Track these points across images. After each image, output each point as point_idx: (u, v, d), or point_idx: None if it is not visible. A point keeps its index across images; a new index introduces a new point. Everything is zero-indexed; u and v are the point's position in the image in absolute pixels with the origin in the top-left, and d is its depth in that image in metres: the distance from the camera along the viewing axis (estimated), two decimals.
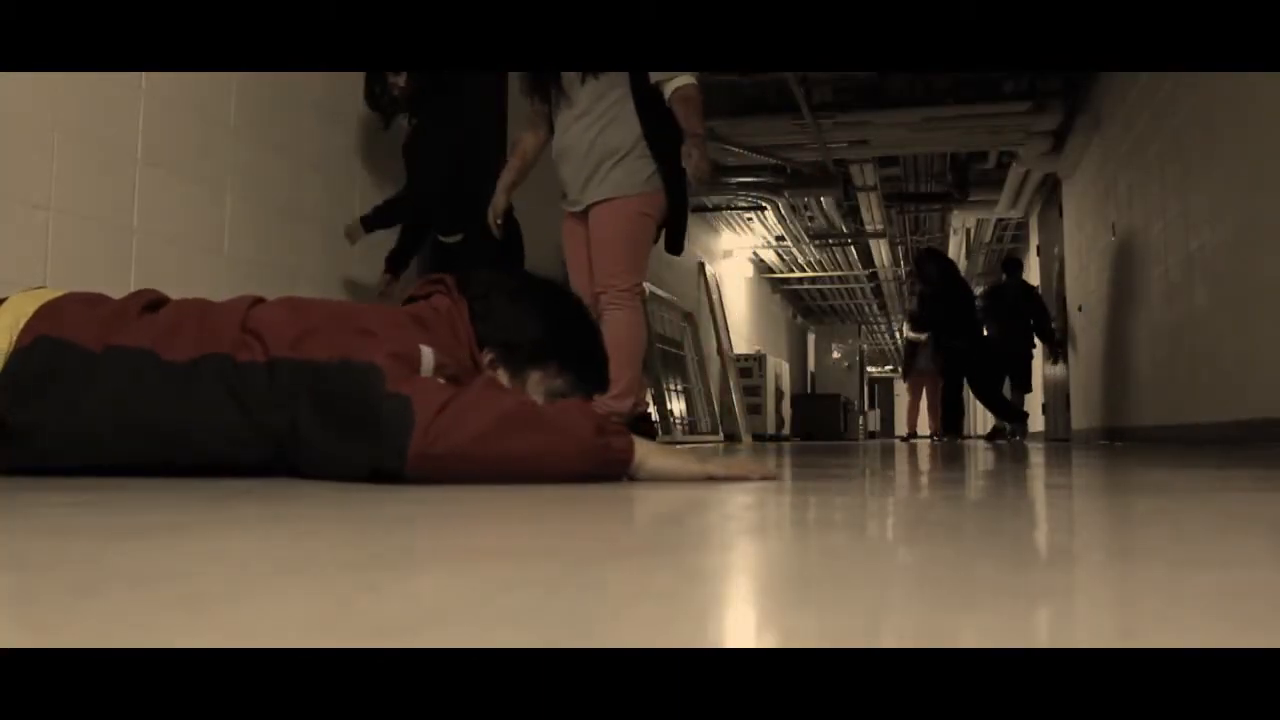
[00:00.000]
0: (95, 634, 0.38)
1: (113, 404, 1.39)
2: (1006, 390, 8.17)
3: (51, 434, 1.40)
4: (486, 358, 1.56)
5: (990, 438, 8.05)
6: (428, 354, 1.39)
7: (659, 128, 3.13)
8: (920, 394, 10.05)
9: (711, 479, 1.37)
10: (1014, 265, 8.59)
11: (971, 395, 8.02)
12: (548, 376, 1.59)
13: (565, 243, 3.38)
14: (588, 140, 3.15)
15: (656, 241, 3.29)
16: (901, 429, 10.45)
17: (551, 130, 3.33)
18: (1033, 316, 8.25)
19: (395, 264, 4.08)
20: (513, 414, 1.29)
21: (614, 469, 1.34)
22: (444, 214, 3.80)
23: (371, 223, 3.84)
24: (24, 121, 2.61)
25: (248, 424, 1.40)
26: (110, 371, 1.40)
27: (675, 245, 3.32)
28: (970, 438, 11.41)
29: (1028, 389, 8.42)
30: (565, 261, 3.41)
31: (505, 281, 1.68)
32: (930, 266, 7.99)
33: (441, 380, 1.35)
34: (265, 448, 1.41)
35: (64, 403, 1.39)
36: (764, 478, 1.43)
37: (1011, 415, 7.87)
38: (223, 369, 1.41)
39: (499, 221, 3.40)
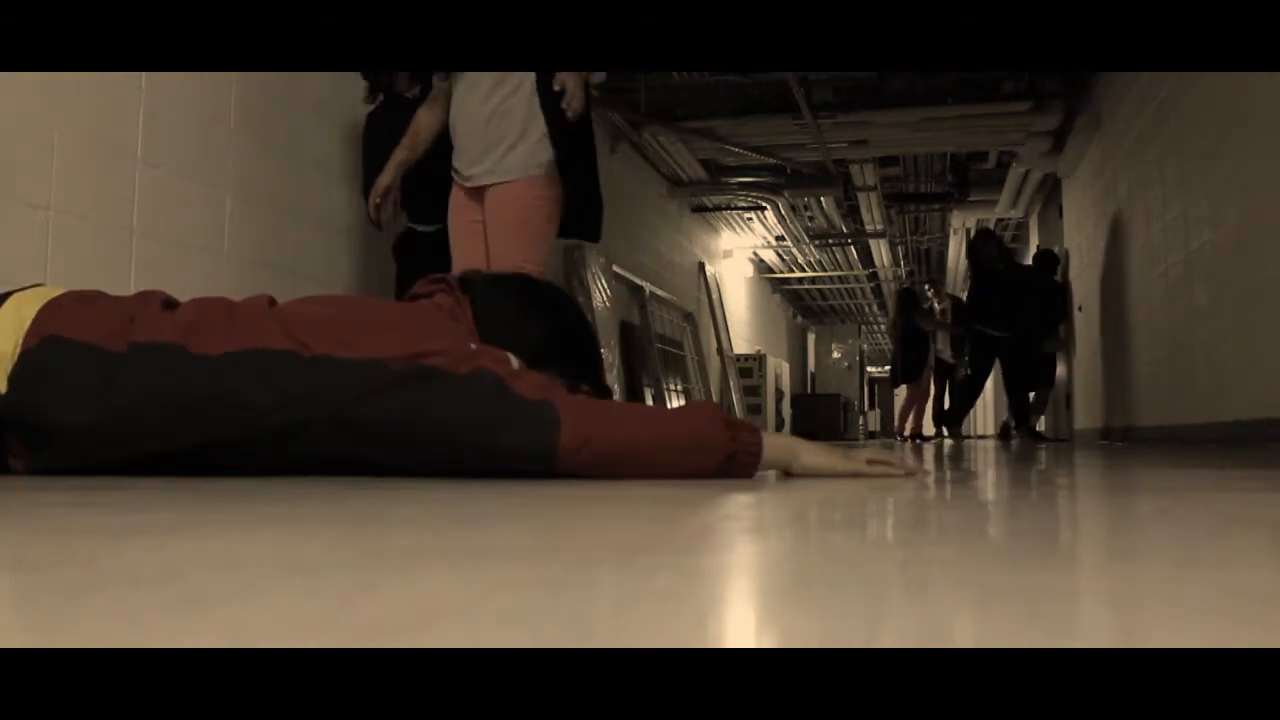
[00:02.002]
0: (95, 634, 0.38)
1: (144, 397, 1.40)
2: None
3: (76, 433, 1.39)
4: None
5: (1027, 436, 7.68)
6: (512, 358, 1.47)
7: (559, 97, 2.88)
8: (918, 392, 9.85)
9: (858, 475, 1.46)
10: (1051, 259, 8.25)
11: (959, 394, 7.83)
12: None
13: (451, 221, 3.16)
14: (486, 111, 2.96)
15: (563, 234, 3.07)
16: (904, 429, 10.25)
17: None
18: (1053, 311, 8.06)
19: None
20: (647, 410, 1.43)
21: (744, 462, 1.40)
22: (424, 200, 3.57)
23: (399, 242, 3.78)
24: (24, 121, 2.61)
25: (283, 414, 1.41)
26: (138, 368, 1.41)
27: (591, 231, 3.09)
28: (970, 437, 11.37)
29: (1050, 384, 8.24)
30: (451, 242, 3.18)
31: (507, 283, 1.71)
32: (990, 247, 7.52)
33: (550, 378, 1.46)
34: (297, 440, 1.43)
35: (84, 403, 1.39)
36: (908, 474, 1.52)
37: (1023, 415, 7.63)
38: (260, 360, 1.42)
39: (377, 202, 3.15)
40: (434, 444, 1.40)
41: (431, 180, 3.31)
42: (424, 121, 3.18)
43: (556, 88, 2.92)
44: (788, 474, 1.47)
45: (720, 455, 1.38)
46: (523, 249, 2.93)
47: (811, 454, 1.47)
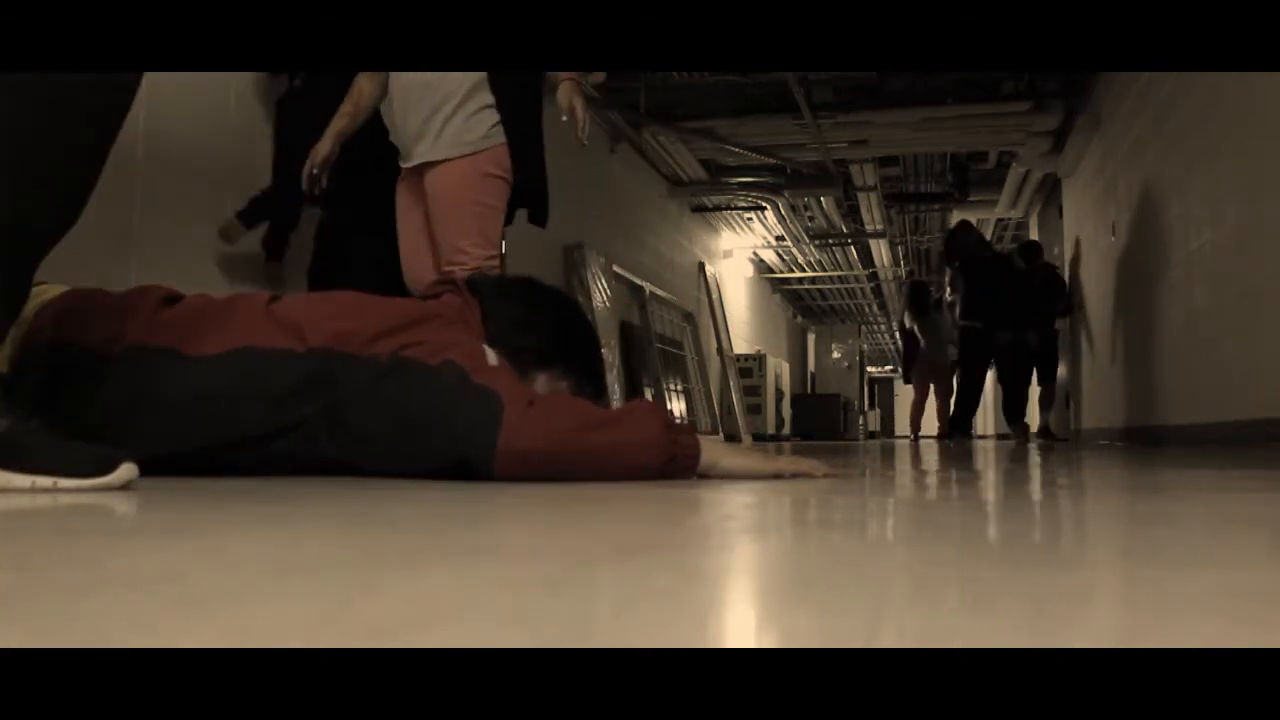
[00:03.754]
0: (95, 634, 0.38)
1: (139, 399, 1.40)
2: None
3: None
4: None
5: (1036, 436, 7.35)
6: (490, 353, 1.47)
7: (514, 89, 2.69)
8: (927, 392, 9.61)
9: (779, 476, 1.45)
10: (1034, 250, 7.88)
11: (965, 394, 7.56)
12: (553, 379, 1.64)
13: (399, 212, 2.90)
14: (422, 80, 2.69)
15: (512, 218, 2.81)
16: (904, 429, 10.13)
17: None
18: (1058, 301, 7.81)
19: (275, 247, 3.68)
20: (591, 411, 1.39)
21: (684, 464, 1.39)
22: (328, 188, 3.26)
23: (250, 216, 3.51)
24: None
25: (278, 411, 1.43)
26: (133, 370, 1.41)
27: (537, 215, 2.84)
28: (979, 438, 11.34)
29: (1054, 380, 8.13)
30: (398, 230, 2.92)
31: (513, 285, 1.75)
32: (971, 238, 7.11)
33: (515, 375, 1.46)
34: (292, 438, 1.44)
35: (81, 404, 1.39)
36: (827, 475, 1.50)
37: (1021, 413, 7.25)
38: (255, 358, 1.43)
39: (315, 172, 2.85)
40: (401, 438, 1.39)
41: (347, 161, 3.01)
42: (366, 89, 2.90)
43: (564, 118, 2.77)
44: (703, 477, 1.42)
45: (663, 456, 1.37)
46: (468, 229, 2.66)
47: (731, 456, 1.47)
